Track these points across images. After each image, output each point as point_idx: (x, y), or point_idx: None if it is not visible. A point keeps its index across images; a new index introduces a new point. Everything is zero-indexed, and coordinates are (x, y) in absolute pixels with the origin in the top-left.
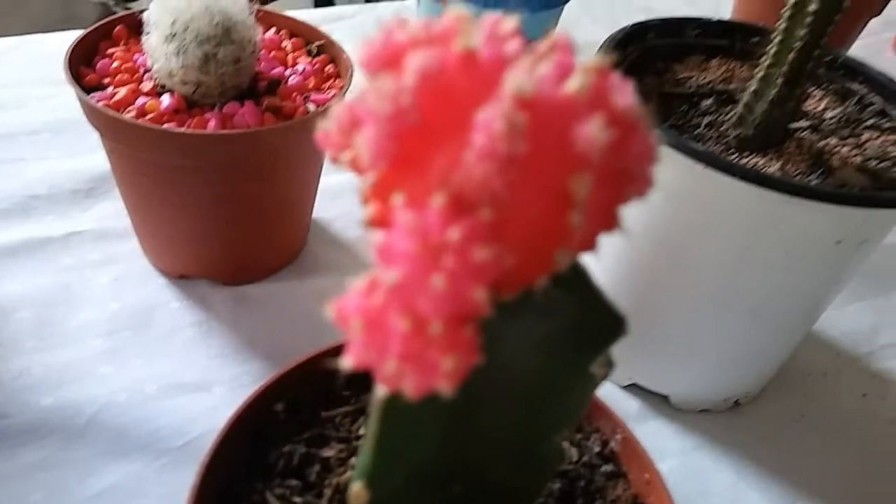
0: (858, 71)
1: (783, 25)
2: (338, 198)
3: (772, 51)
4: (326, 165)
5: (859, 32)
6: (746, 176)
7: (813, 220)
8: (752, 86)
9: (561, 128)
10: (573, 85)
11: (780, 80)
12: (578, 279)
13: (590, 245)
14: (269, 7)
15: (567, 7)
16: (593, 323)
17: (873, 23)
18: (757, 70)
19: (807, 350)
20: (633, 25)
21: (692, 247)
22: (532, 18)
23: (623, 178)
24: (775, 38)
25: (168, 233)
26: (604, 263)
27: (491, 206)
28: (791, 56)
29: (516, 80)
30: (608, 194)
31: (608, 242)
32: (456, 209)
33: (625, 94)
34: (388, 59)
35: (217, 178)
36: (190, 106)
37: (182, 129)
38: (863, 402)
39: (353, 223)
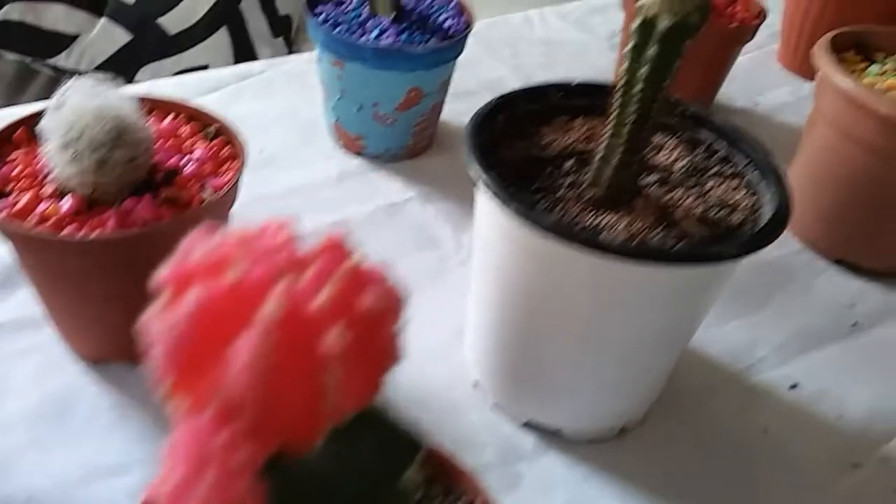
0: (705, 120)
1: (617, 102)
2: None
3: (611, 123)
4: None
5: (737, 56)
6: (579, 241)
7: (648, 276)
8: (599, 152)
9: (309, 337)
10: (322, 297)
11: (620, 150)
12: (373, 418)
13: (363, 402)
14: (165, 95)
15: (469, 44)
16: (392, 449)
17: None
18: (600, 140)
19: (688, 369)
20: (499, 98)
21: (555, 302)
22: (428, 74)
23: (376, 356)
24: (612, 112)
25: (80, 322)
26: (493, 315)
27: (252, 410)
28: (626, 129)
29: (270, 306)
30: (365, 372)
31: (494, 298)
32: (224, 416)
33: (372, 291)
34: (180, 281)
35: (120, 273)
36: (90, 205)
37: (79, 237)
38: (741, 416)
39: None
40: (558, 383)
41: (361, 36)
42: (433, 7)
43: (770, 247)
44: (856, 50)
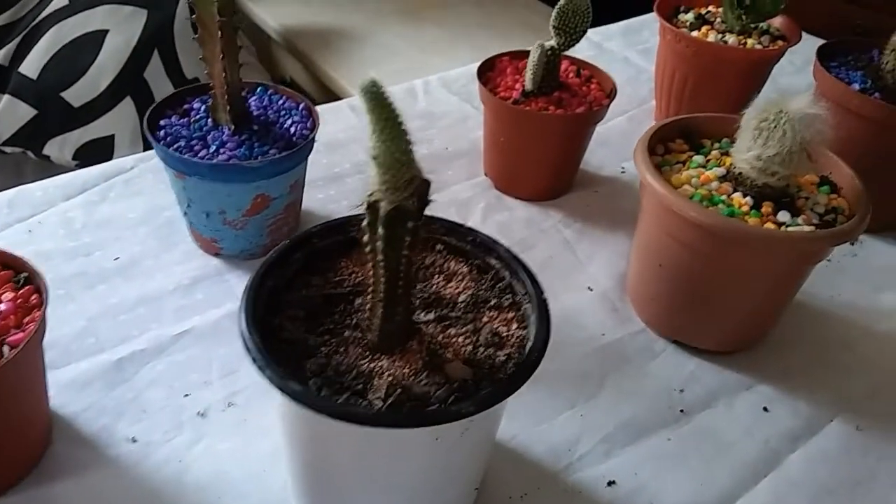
0: (494, 247)
1: (370, 265)
2: (85, 388)
3: (370, 281)
4: (63, 355)
5: (592, 131)
6: (317, 409)
7: (397, 435)
8: (367, 304)
9: None
10: None
11: (380, 306)
12: None
13: None
14: None
15: (347, 122)
16: None
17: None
18: (367, 296)
19: (508, 473)
20: (296, 236)
21: (333, 458)
22: (271, 182)
23: None
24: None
25: None
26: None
27: None
28: (381, 289)
29: None
30: None
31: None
32: None
33: None
34: None
35: None
36: None
37: None
38: None
39: (101, 412)
40: None
41: (202, 150)
42: (280, 113)
43: (613, 326)
44: (683, 138)
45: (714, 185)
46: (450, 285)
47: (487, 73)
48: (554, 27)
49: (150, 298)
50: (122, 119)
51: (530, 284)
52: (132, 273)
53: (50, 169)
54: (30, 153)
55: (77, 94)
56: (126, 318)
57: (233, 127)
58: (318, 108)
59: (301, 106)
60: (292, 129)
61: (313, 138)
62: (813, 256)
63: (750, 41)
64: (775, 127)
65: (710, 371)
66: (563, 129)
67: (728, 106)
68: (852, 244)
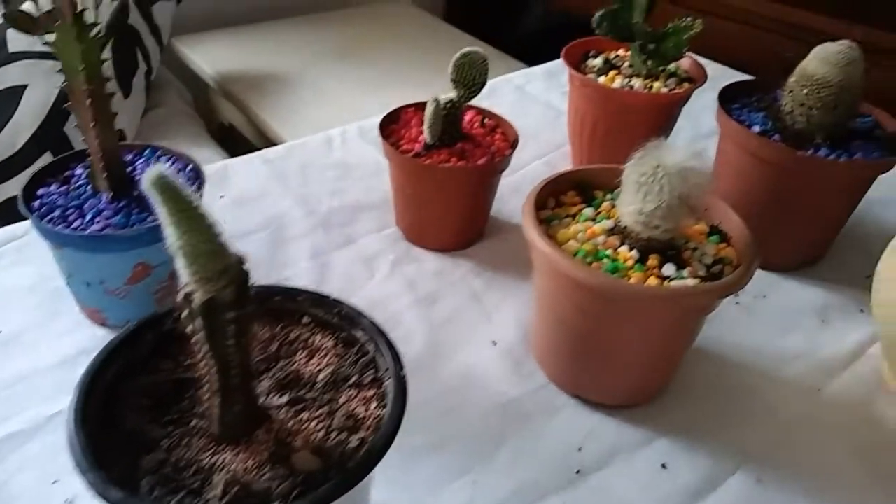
0: (357, 320)
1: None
2: None
3: (202, 375)
4: None
5: (498, 181)
6: None
7: None
8: (204, 395)
9: None
10: None
11: (216, 398)
12: None
13: None
14: None
15: (258, 175)
16: None
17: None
18: (201, 388)
19: None
20: (145, 318)
21: None
22: (151, 249)
23: None
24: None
25: None
26: None
27: None
28: (214, 380)
29: None
30: None
31: None
32: None
33: None
34: None
35: None
36: None
37: None
38: None
39: None
40: None
41: (77, 219)
42: None
43: (516, 382)
44: (577, 190)
45: (601, 239)
46: (312, 361)
47: (392, 124)
48: (452, 81)
49: (31, 374)
50: None
51: (391, 359)
52: (15, 346)
53: None
54: None
55: None
56: (4, 396)
57: (111, 194)
58: (230, 162)
59: (189, 168)
60: None
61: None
62: (699, 309)
63: (656, 84)
64: (653, 181)
65: (609, 427)
66: (466, 181)
67: (638, 148)
68: (737, 295)
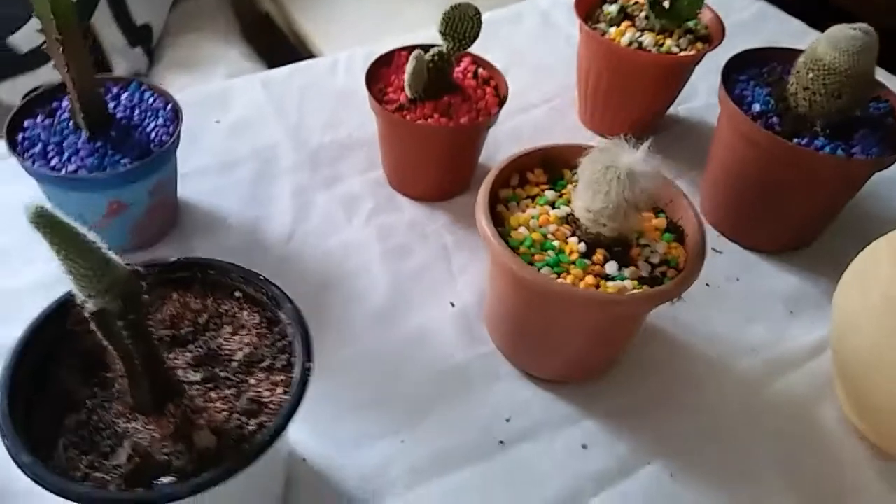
0: (282, 303)
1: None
2: None
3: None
4: None
5: (485, 136)
6: (36, 479)
7: None
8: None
9: None
10: None
11: (126, 382)
12: None
13: None
14: None
15: (257, 99)
16: None
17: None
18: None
19: (312, 494)
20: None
21: None
22: (125, 190)
23: None
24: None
25: None
26: None
27: None
28: (120, 368)
29: None
30: None
31: None
32: None
33: None
34: None
35: None
36: None
37: None
38: None
39: None
40: None
41: (55, 157)
42: (147, 114)
43: (465, 346)
44: (544, 167)
45: (552, 227)
46: (234, 338)
47: (383, 68)
48: (441, 33)
49: (8, 293)
50: None
51: (301, 351)
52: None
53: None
54: None
55: (23, 40)
56: None
57: (88, 134)
58: (231, 83)
59: (168, 107)
60: (153, 134)
61: (170, 147)
62: (630, 316)
63: (668, 42)
64: (602, 181)
65: (542, 401)
66: (447, 139)
67: (642, 108)
68: (673, 303)
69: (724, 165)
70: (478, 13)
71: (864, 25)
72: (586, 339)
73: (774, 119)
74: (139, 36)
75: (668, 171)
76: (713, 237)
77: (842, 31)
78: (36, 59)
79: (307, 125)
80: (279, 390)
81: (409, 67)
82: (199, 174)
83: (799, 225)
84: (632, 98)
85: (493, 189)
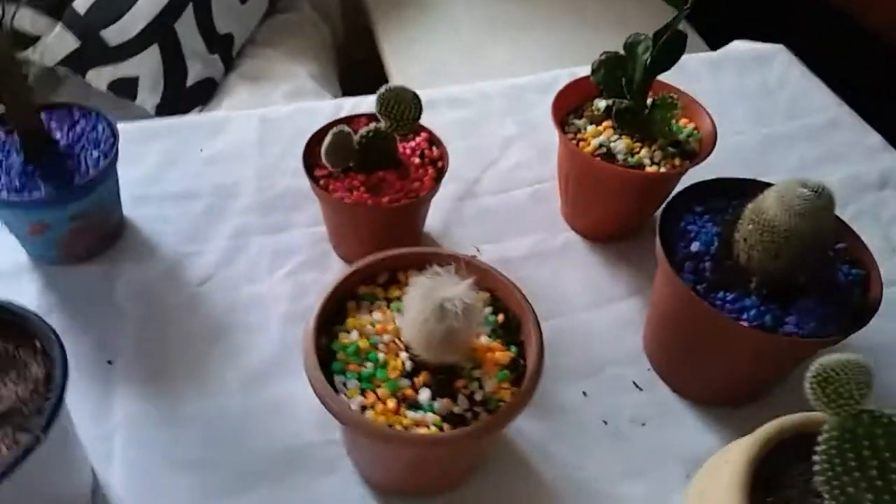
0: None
1: None
2: None
3: None
4: None
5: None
6: None
7: None
8: None
9: None
10: None
11: None
12: None
13: None
14: None
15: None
16: None
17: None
18: None
19: None
20: None
21: None
22: (48, 214)
23: None
24: None
25: None
26: None
27: None
28: None
29: None
30: None
31: None
32: None
33: None
34: None
35: None
36: None
37: None
38: None
39: None
40: None
41: None
42: (89, 144)
43: (315, 430)
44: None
45: (387, 337)
46: (8, 386)
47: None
48: (378, 113)
49: None
50: (147, 64)
51: (47, 415)
52: None
53: (88, 92)
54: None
55: (114, 34)
56: None
57: (24, 158)
58: (231, 115)
59: (102, 128)
60: (88, 162)
61: (97, 177)
62: (426, 456)
63: (643, 152)
64: (419, 311)
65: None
66: (366, 216)
67: (610, 217)
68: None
69: (657, 293)
70: (416, 97)
71: (819, 184)
72: (403, 466)
73: (706, 265)
74: (220, 44)
75: (627, 283)
76: (642, 371)
77: (791, 187)
78: (120, 53)
79: (281, 168)
80: (3, 451)
81: (325, 141)
82: (158, 199)
83: (726, 383)
84: (601, 204)
85: (348, 283)
